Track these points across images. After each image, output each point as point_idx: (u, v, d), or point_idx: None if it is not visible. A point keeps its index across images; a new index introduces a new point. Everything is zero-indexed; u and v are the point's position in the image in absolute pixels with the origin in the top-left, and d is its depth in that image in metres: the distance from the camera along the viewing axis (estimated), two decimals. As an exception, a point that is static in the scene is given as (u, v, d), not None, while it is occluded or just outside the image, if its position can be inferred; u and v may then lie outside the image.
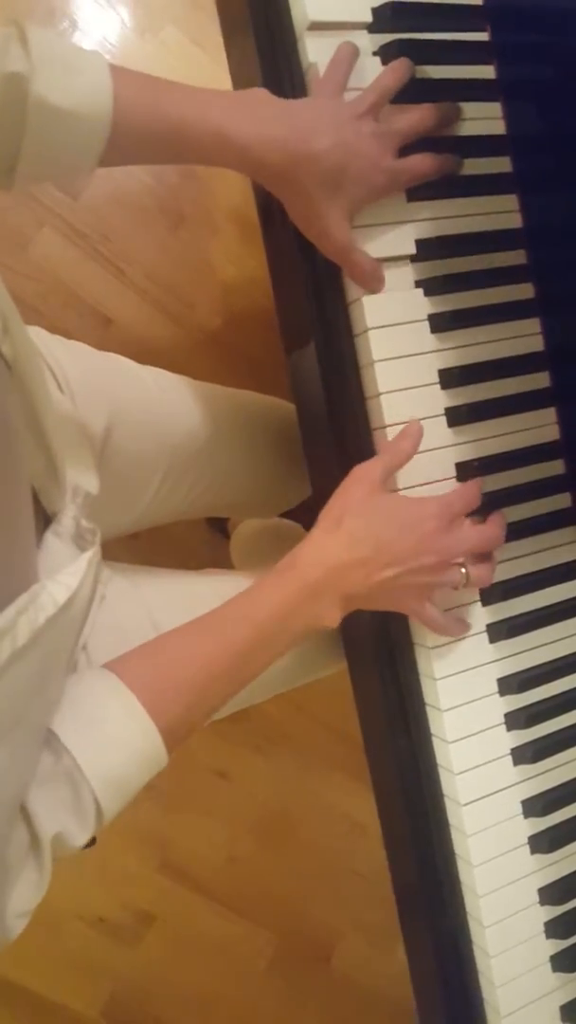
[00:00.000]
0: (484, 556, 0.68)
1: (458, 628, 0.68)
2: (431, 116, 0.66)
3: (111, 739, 0.56)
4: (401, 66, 0.66)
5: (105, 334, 1.53)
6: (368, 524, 0.64)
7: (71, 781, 0.53)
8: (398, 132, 0.65)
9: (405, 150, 0.66)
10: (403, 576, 0.64)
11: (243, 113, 0.61)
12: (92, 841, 0.59)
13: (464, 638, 0.68)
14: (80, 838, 0.54)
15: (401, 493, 0.67)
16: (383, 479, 0.65)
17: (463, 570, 0.65)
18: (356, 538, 0.64)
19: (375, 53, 0.68)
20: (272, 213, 0.71)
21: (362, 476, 0.65)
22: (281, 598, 0.64)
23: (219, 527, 1.50)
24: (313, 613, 0.64)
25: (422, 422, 0.67)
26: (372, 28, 0.68)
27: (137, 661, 0.61)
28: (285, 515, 1.16)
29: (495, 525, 0.67)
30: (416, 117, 0.66)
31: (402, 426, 0.66)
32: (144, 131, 0.59)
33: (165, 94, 0.59)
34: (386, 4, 0.67)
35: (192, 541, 1.53)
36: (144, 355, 0.92)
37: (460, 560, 0.66)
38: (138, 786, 0.57)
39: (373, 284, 0.67)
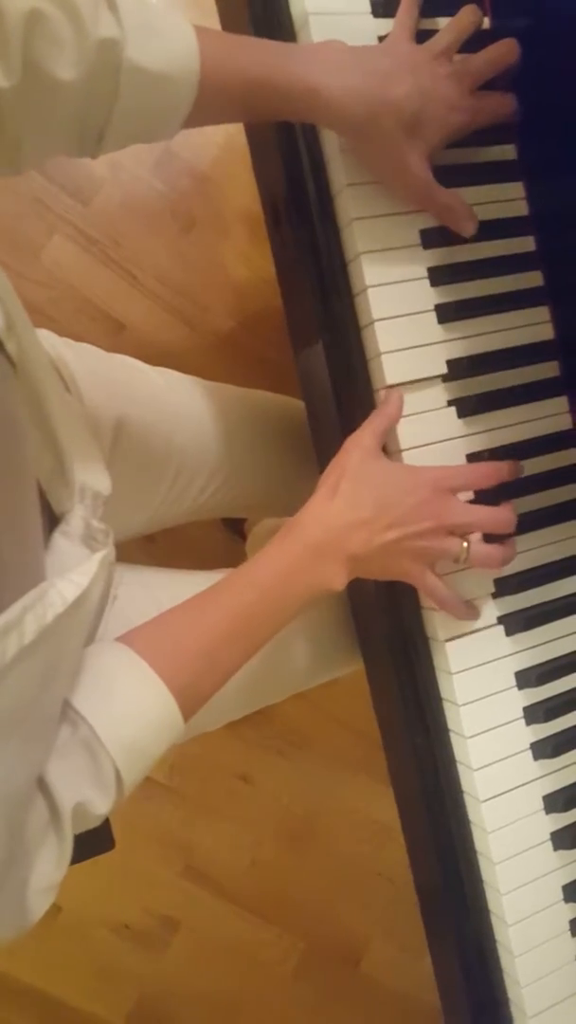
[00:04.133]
0: (497, 539, 0.67)
1: (464, 609, 0.66)
2: (507, 51, 0.66)
3: (127, 706, 0.56)
4: (473, 10, 0.66)
5: (118, 339, 1.53)
6: (366, 487, 0.64)
7: (89, 750, 0.53)
8: (475, 70, 0.65)
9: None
10: (403, 540, 0.64)
11: (324, 66, 0.61)
12: (110, 845, 0.59)
13: (480, 631, 0.67)
14: (102, 807, 0.54)
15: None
16: (375, 444, 0.65)
17: (464, 544, 0.64)
18: (355, 501, 0.64)
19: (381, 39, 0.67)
20: (279, 213, 0.71)
21: (354, 444, 0.66)
22: (284, 561, 0.64)
23: (235, 528, 1.50)
24: (317, 574, 0.64)
25: (432, 413, 0.66)
26: (376, 13, 0.68)
27: (147, 632, 0.61)
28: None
29: (503, 509, 0.66)
30: (492, 54, 0.66)
31: (411, 418, 0.66)
32: (229, 90, 0.59)
33: (247, 51, 0.59)
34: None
35: (209, 543, 1.53)
36: (157, 359, 0.92)
37: (461, 531, 0.65)
38: (157, 753, 0.58)
39: (464, 224, 0.67)
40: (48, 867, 0.51)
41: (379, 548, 0.64)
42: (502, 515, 0.66)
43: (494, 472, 0.66)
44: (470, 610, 0.67)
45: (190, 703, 0.59)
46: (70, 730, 0.53)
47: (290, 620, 0.65)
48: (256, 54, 0.60)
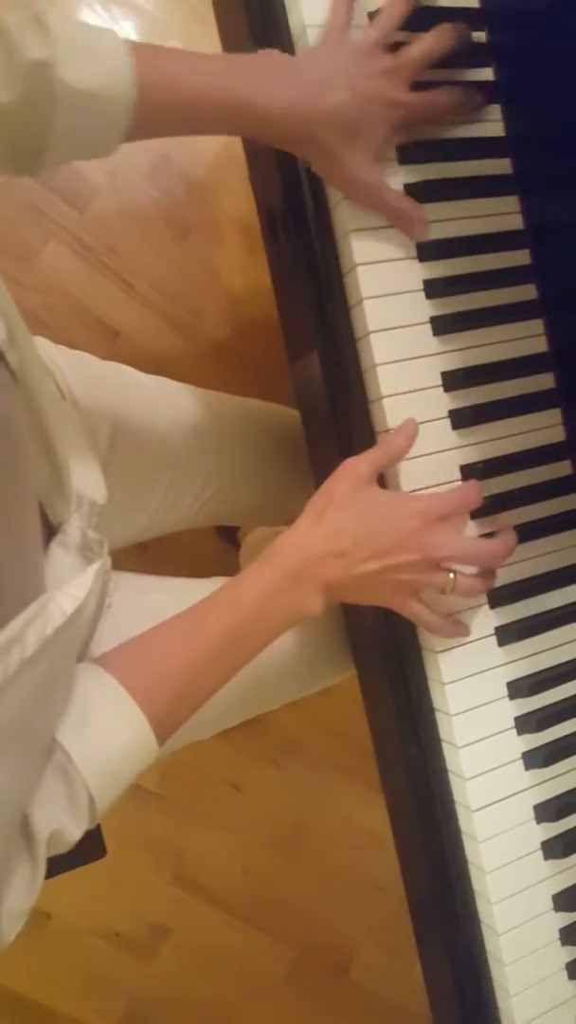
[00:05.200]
0: (484, 570, 0.67)
1: (452, 629, 0.66)
2: (442, 38, 0.65)
3: (102, 731, 0.56)
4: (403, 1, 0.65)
5: (113, 346, 1.53)
6: (350, 517, 0.64)
7: (64, 775, 0.53)
8: (410, 62, 0.64)
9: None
10: (384, 572, 0.63)
11: (258, 81, 0.61)
12: (102, 852, 0.59)
13: (472, 641, 0.68)
14: (76, 832, 0.54)
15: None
16: (369, 474, 0.65)
17: (451, 575, 0.64)
18: (337, 529, 0.64)
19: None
20: (275, 222, 0.71)
21: (349, 470, 0.65)
22: (262, 585, 0.64)
23: (229, 537, 1.50)
24: (294, 600, 0.64)
25: (427, 425, 0.66)
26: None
27: (124, 654, 0.61)
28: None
29: (493, 542, 0.65)
30: (426, 43, 0.65)
31: (406, 428, 0.66)
32: (166, 106, 0.59)
33: (184, 67, 0.59)
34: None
35: (202, 551, 1.53)
36: (151, 366, 0.92)
37: (449, 564, 0.64)
38: (130, 778, 0.57)
39: (414, 227, 0.66)
40: (20, 893, 0.51)
41: (357, 578, 0.64)
42: (491, 548, 0.65)
43: (472, 491, 0.66)
44: (458, 627, 0.67)
45: (166, 729, 0.59)
46: (45, 755, 0.53)
47: (267, 645, 0.65)
48: (193, 70, 0.59)
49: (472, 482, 0.67)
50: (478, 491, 0.66)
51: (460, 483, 0.68)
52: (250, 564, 0.66)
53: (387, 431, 0.66)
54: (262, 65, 0.62)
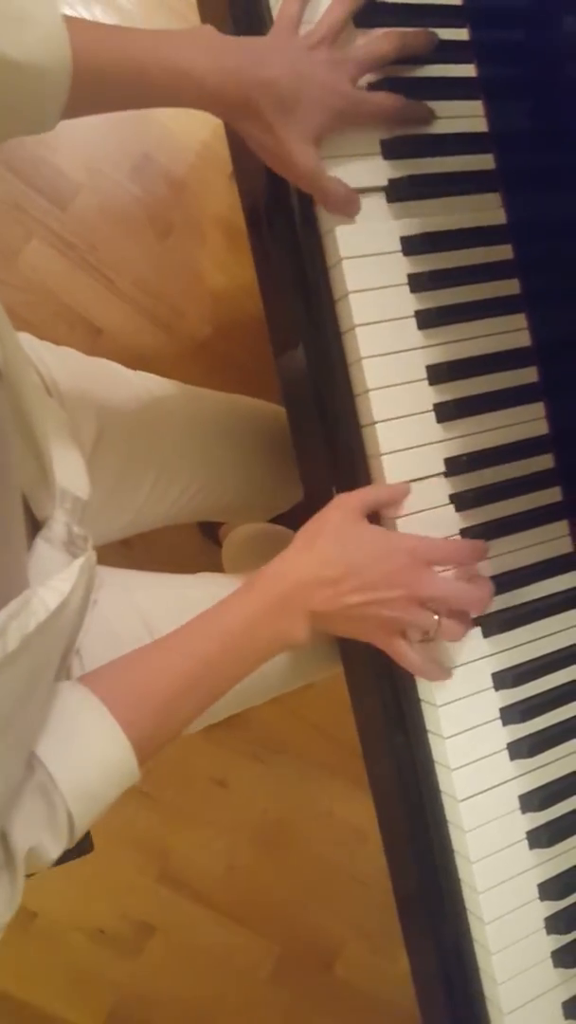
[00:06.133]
0: (462, 614, 0.67)
1: (435, 672, 0.66)
2: (389, 42, 0.65)
3: (85, 752, 0.56)
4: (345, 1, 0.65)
5: (95, 343, 1.53)
6: (340, 548, 0.64)
7: (45, 795, 0.53)
8: (354, 59, 0.64)
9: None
10: (370, 605, 0.64)
11: (197, 48, 0.60)
12: (89, 848, 0.58)
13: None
14: (53, 852, 0.54)
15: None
16: (361, 509, 0.65)
17: (436, 617, 0.64)
18: (326, 559, 0.64)
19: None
20: (259, 217, 0.72)
21: (342, 503, 0.66)
22: (248, 610, 0.64)
23: (211, 534, 1.50)
24: (280, 627, 0.64)
25: (411, 418, 0.67)
26: (357, 23, 0.67)
27: (109, 675, 0.61)
28: (278, 520, 1.16)
29: (479, 588, 0.66)
30: (373, 45, 0.65)
31: (391, 423, 0.67)
32: (103, 77, 0.58)
33: (118, 38, 0.59)
34: (367, 3, 0.67)
35: (186, 549, 1.53)
36: (134, 364, 0.92)
37: (433, 604, 0.65)
38: (109, 801, 0.57)
39: (347, 209, 0.66)
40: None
41: (343, 609, 0.64)
42: (476, 594, 0.65)
43: (472, 552, 0.67)
44: (440, 672, 0.67)
45: (146, 751, 0.59)
46: (26, 772, 0.53)
47: (250, 671, 0.65)
48: (128, 41, 0.59)
49: (475, 542, 0.67)
50: (475, 553, 0.67)
51: (462, 539, 0.68)
52: (236, 587, 0.66)
53: (372, 425, 0.66)
54: (200, 36, 0.62)
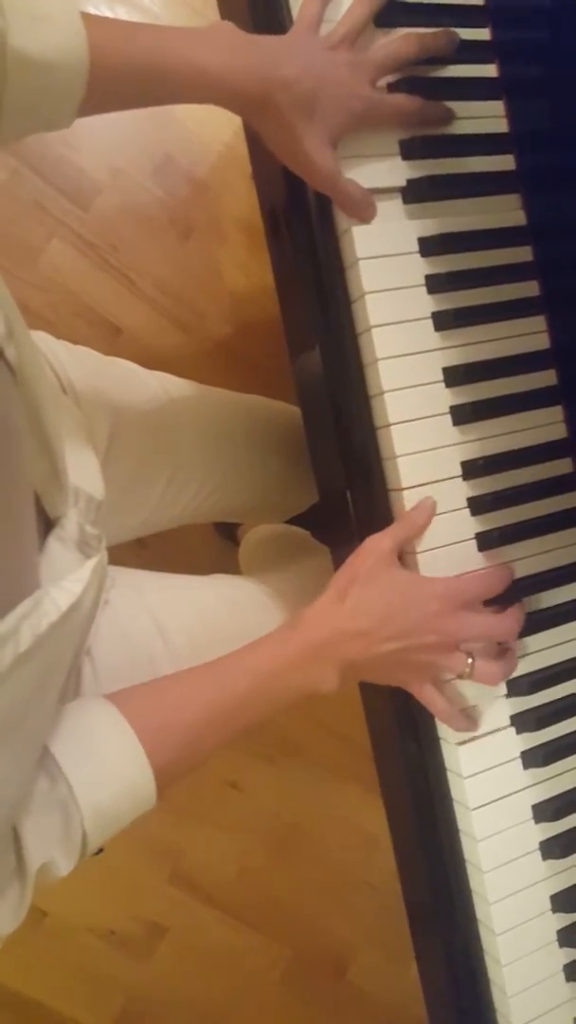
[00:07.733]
0: (500, 650, 0.67)
1: (463, 723, 0.66)
2: (410, 44, 0.65)
3: (108, 773, 0.55)
4: (367, 2, 0.64)
5: (115, 344, 1.53)
6: (373, 596, 0.64)
7: (64, 810, 0.53)
8: (373, 61, 0.64)
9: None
10: (404, 652, 0.63)
11: (216, 45, 0.60)
12: (101, 848, 0.58)
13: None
14: (64, 868, 0.53)
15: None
16: (392, 550, 0.65)
17: (469, 660, 0.64)
18: (360, 609, 0.63)
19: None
20: (277, 218, 0.71)
21: (373, 547, 0.65)
22: (283, 654, 0.64)
23: (228, 534, 1.49)
24: (312, 674, 0.64)
25: (428, 420, 0.66)
26: (378, 23, 0.67)
27: (139, 699, 0.61)
28: (294, 521, 1.15)
29: (509, 617, 0.65)
30: (393, 47, 0.65)
31: (406, 425, 0.66)
32: (121, 74, 0.58)
33: (136, 35, 0.58)
34: (388, 3, 0.67)
35: (202, 549, 1.53)
36: (154, 364, 0.92)
37: (467, 647, 0.64)
38: (123, 824, 0.57)
39: (363, 212, 0.65)
40: (5, 919, 0.51)
41: (377, 657, 0.63)
42: (507, 624, 0.65)
43: (500, 579, 0.66)
44: (469, 722, 0.66)
45: (166, 779, 0.59)
46: (48, 785, 0.53)
47: (273, 714, 0.65)
48: (146, 37, 0.59)
49: (499, 569, 0.67)
50: (503, 580, 0.66)
51: (487, 570, 0.67)
52: (272, 632, 0.66)
53: (387, 427, 0.66)
54: (219, 32, 0.62)
